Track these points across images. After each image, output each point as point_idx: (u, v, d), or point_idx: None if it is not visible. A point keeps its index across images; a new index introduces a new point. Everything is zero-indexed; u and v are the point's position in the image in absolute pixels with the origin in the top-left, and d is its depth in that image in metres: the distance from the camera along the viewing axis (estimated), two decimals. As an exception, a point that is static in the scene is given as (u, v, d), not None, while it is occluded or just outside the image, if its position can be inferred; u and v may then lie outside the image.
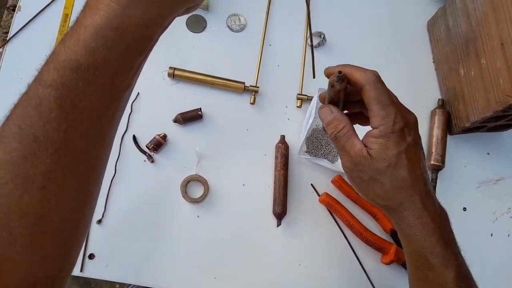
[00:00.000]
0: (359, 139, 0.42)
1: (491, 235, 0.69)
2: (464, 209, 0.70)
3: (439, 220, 0.41)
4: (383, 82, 0.41)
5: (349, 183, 0.44)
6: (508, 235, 0.69)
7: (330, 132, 0.42)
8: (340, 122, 0.42)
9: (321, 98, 0.47)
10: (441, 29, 0.72)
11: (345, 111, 0.46)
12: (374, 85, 0.40)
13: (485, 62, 0.61)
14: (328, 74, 0.43)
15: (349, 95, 0.43)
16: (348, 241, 0.66)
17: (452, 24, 0.69)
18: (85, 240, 0.63)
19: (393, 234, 0.65)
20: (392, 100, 0.40)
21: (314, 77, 0.70)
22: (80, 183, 0.33)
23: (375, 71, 0.41)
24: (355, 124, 0.45)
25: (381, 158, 0.40)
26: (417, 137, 0.42)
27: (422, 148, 0.43)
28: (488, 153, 0.73)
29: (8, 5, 0.75)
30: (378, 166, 0.40)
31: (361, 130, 0.44)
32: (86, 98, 0.31)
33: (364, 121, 0.46)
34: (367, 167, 0.41)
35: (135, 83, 0.36)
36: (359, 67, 0.41)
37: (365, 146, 0.41)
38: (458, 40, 0.67)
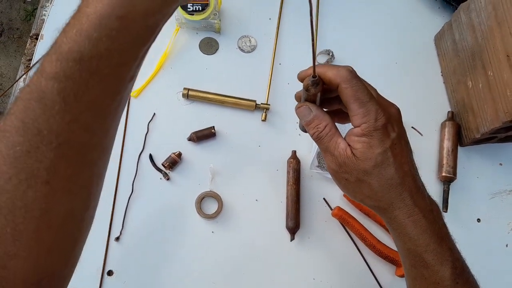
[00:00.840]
0: (342, 138, 0.40)
1: (506, 245, 0.69)
2: (478, 220, 0.70)
3: (431, 216, 0.40)
4: (359, 77, 0.39)
5: (337, 185, 0.43)
6: (524, 246, 0.69)
7: (312, 132, 0.40)
8: (322, 121, 0.40)
9: (297, 97, 0.45)
10: (447, 43, 0.73)
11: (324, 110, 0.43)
12: (350, 83, 0.38)
13: (492, 74, 0.62)
14: (301, 78, 0.41)
15: (326, 91, 0.41)
16: (361, 254, 0.66)
17: (459, 38, 0.70)
18: (102, 256, 0.65)
19: (407, 246, 0.66)
20: (370, 95, 0.38)
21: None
22: (84, 176, 0.33)
23: (349, 66, 0.39)
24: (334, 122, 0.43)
25: (366, 158, 0.38)
26: (402, 131, 0.40)
27: (407, 142, 0.41)
28: (501, 164, 0.73)
29: (31, 34, 0.79)
30: (364, 167, 0.38)
31: (342, 129, 0.43)
32: (90, 91, 0.30)
33: (343, 118, 0.44)
34: (352, 168, 0.39)
35: (137, 74, 0.34)
36: (332, 65, 0.40)
37: (349, 145, 0.39)
38: (465, 53, 0.68)
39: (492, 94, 0.62)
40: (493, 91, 0.62)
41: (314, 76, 0.37)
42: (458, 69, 0.71)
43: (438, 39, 0.77)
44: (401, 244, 0.41)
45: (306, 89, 0.39)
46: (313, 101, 0.41)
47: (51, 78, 0.29)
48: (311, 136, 0.41)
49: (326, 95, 0.42)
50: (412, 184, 0.40)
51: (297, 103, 0.44)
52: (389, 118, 0.39)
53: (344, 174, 0.40)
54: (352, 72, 0.38)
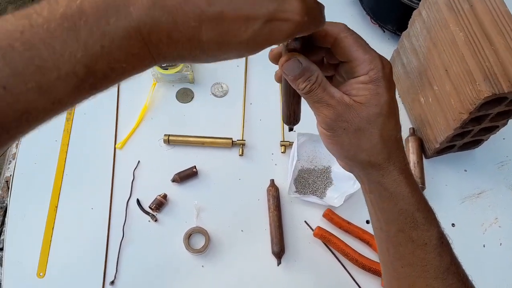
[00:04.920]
0: (333, 87, 0.36)
1: (484, 246, 0.72)
2: (453, 225, 0.73)
3: (411, 172, 0.39)
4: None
5: (326, 145, 0.39)
6: (500, 244, 0.72)
7: (303, 86, 0.36)
8: (313, 71, 0.35)
9: (272, 57, 0.39)
10: (398, 67, 0.81)
11: None
12: (349, 31, 0.36)
13: (437, 88, 0.69)
14: None
15: (306, 45, 0.37)
16: (346, 269, 0.69)
17: (406, 61, 0.78)
18: (100, 302, 0.67)
19: (388, 257, 0.69)
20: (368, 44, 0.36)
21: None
22: None
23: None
24: None
25: (372, 105, 0.35)
26: None
27: None
28: (465, 170, 0.78)
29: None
30: (368, 114, 0.35)
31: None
32: None
33: (324, 70, 0.40)
34: (354, 115, 0.36)
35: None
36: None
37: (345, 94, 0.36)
38: (413, 74, 0.76)
39: (441, 106, 0.69)
40: (441, 103, 0.69)
41: None
42: (410, 88, 0.78)
43: (391, 65, 0.85)
44: (391, 206, 0.39)
45: (286, 45, 0.36)
46: None
47: None
48: (301, 90, 0.36)
49: (307, 51, 0.38)
50: (401, 139, 0.39)
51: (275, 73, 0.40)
52: (391, 67, 0.37)
53: (342, 123, 0.36)
54: (346, 25, 0.36)
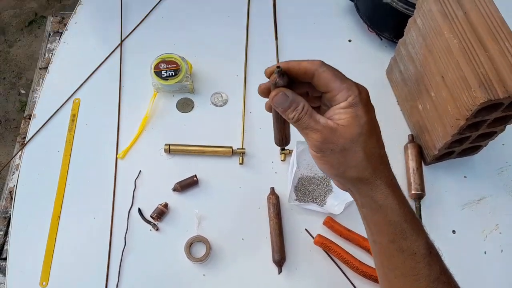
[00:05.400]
0: (318, 114, 0.41)
1: (485, 252, 0.72)
2: (454, 231, 0.73)
3: (398, 184, 0.42)
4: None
5: (318, 165, 0.43)
6: (502, 250, 0.72)
7: (292, 115, 0.41)
8: (299, 102, 0.40)
9: (261, 91, 0.44)
10: (396, 74, 0.82)
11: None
12: (325, 66, 0.40)
13: (434, 95, 0.70)
14: (268, 73, 0.42)
15: (291, 82, 0.42)
16: (347, 277, 0.69)
17: (403, 68, 0.79)
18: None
19: (389, 264, 0.69)
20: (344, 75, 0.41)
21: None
22: None
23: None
24: None
25: (353, 126, 0.39)
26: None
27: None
28: (465, 176, 0.78)
29: (25, 115, 0.87)
30: (351, 135, 0.39)
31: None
32: None
33: (311, 101, 0.44)
34: (339, 137, 0.40)
35: None
36: (302, 60, 0.42)
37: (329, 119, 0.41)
38: (411, 81, 0.77)
39: (438, 112, 0.69)
40: (438, 109, 0.69)
41: (278, 67, 0.40)
42: (408, 95, 0.79)
43: (389, 73, 0.86)
44: (382, 218, 0.42)
45: (274, 83, 0.41)
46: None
47: None
48: (291, 120, 0.41)
49: (292, 86, 0.43)
50: (384, 153, 0.42)
51: (265, 100, 0.44)
52: (367, 93, 0.41)
53: (329, 145, 0.40)
54: (322, 61, 0.41)
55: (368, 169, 0.40)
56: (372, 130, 0.40)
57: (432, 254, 0.42)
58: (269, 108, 0.45)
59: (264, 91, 0.43)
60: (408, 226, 0.41)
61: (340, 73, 0.41)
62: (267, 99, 0.43)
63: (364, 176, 0.41)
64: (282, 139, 0.48)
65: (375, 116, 0.41)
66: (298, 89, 0.43)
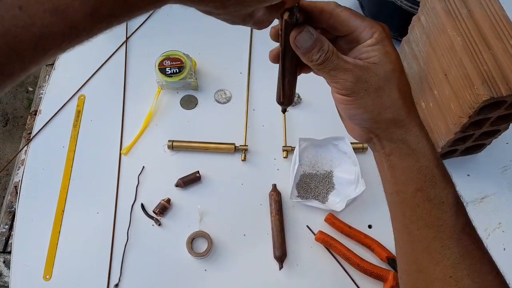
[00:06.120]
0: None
1: (487, 251, 0.71)
2: (456, 230, 0.73)
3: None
4: None
5: (349, 111, 0.40)
6: (504, 249, 0.72)
7: (317, 56, 0.37)
8: (324, 41, 0.37)
9: (273, 34, 0.40)
10: (400, 73, 0.82)
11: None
12: (342, 6, 0.38)
13: (437, 93, 0.70)
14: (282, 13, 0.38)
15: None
16: (348, 274, 0.69)
17: (407, 66, 0.78)
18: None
19: (390, 261, 0.69)
20: None
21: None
22: None
23: None
24: None
25: (385, 63, 0.37)
26: None
27: None
28: (468, 175, 0.78)
29: (31, 111, 0.88)
30: (384, 71, 0.37)
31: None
32: None
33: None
34: (372, 75, 0.37)
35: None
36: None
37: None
38: (414, 79, 0.77)
39: (441, 110, 0.69)
40: (441, 107, 0.69)
41: (298, 2, 0.36)
42: (412, 93, 0.79)
43: (392, 71, 0.86)
44: (412, 163, 0.39)
45: (291, 21, 0.36)
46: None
47: None
48: (315, 61, 0.37)
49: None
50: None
51: (270, 52, 0.42)
52: (389, 29, 0.39)
53: (363, 84, 0.37)
54: (336, 2, 0.39)
55: (404, 108, 0.38)
56: (402, 66, 0.38)
57: (459, 204, 0.40)
58: (274, 58, 0.42)
59: (276, 34, 0.40)
60: (438, 173, 0.39)
61: (357, 12, 0.38)
62: (271, 51, 0.41)
63: (400, 117, 0.38)
64: (291, 94, 0.44)
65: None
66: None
